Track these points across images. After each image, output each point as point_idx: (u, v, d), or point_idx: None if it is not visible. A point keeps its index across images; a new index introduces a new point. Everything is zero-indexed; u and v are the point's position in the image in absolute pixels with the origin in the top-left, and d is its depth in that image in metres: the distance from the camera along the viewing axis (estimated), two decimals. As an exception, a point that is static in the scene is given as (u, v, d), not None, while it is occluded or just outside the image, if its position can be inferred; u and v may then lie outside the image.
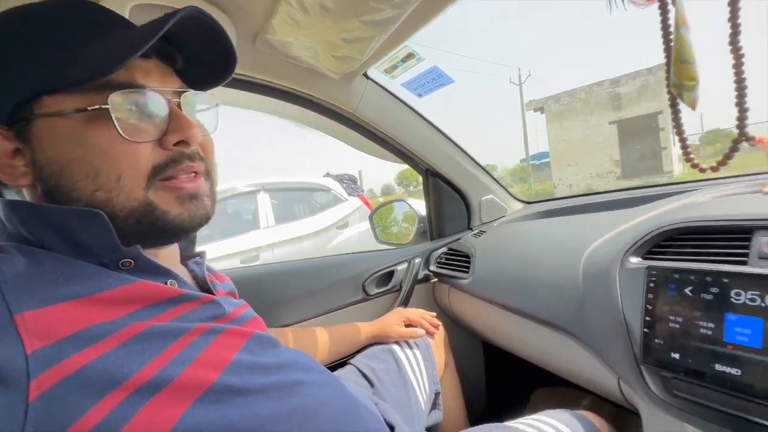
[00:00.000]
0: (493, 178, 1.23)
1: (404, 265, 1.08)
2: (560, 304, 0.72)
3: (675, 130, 0.46)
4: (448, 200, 1.18)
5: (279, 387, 0.43)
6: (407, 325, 0.90)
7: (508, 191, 1.27)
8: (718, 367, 0.47)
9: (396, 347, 0.85)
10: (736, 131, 0.51)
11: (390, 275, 1.07)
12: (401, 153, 1.09)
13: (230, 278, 0.61)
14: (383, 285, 1.06)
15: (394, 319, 0.89)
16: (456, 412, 0.96)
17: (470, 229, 1.21)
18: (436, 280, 1.14)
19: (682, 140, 0.44)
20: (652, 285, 0.56)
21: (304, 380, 0.46)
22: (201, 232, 0.49)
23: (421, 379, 0.84)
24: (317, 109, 0.91)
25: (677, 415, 0.52)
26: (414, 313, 0.92)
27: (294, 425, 0.42)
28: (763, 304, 0.45)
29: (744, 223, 0.51)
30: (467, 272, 0.98)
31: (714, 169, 0.46)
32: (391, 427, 0.59)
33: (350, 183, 4.22)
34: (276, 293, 0.90)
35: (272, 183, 3.65)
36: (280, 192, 3.77)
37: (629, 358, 0.57)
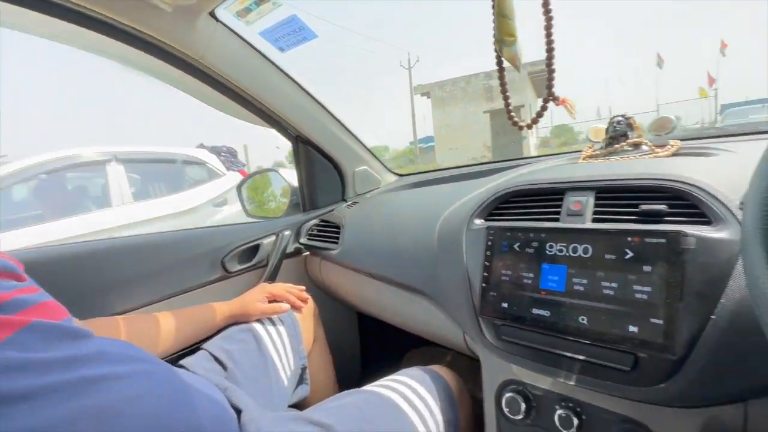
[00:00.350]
0: (368, 150, 1.23)
1: (271, 239, 1.01)
2: (418, 268, 0.74)
3: (501, 89, 0.49)
4: (321, 171, 1.13)
5: (65, 387, 0.35)
6: (272, 301, 0.84)
7: (382, 163, 1.28)
8: (534, 311, 0.54)
9: (257, 325, 0.79)
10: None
11: (255, 249, 0.98)
12: (267, 116, 0.99)
13: (29, 259, 0.47)
14: (247, 260, 0.97)
15: (256, 296, 0.83)
16: (326, 384, 0.95)
17: (344, 200, 1.19)
18: (308, 253, 1.10)
19: (506, 98, 0.47)
20: (490, 243, 0.61)
21: (108, 374, 0.38)
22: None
23: (285, 355, 0.79)
24: (154, 51, 0.75)
25: (506, 357, 0.58)
26: (279, 287, 0.87)
27: (83, 429, 0.34)
28: (567, 254, 0.52)
29: (558, 185, 0.58)
30: (337, 243, 0.96)
31: (529, 126, 0.51)
32: (238, 411, 0.54)
33: (229, 156, 3.84)
34: (103, 275, 0.74)
35: (128, 153, 3.07)
36: (141, 164, 3.23)
37: (471, 312, 0.61)
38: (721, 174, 0.49)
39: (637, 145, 0.73)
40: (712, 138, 0.85)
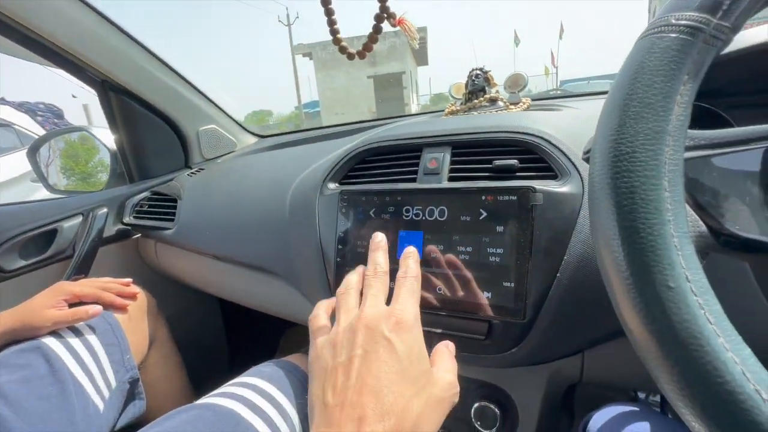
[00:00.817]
0: (216, 106, 1.02)
1: (76, 221, 0.76)
2: (267, 245, 0.63)
3: (327, 20, 0.39)
4: (150, 130, 0.89)
5: None
6: (76, 304, 0.63)
7: (238, 123, 1.09)
8: (392, 285, 0.47)
9: (50, 340, 0.58)
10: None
11: (50, 237, 0.73)
12: (54, 54, 0.71)
13: None
14: (36, 253, 0.72)
15: (45, 301, 0.61)
16: (172, 393, 0.78)
17: (189, 167, 0.98)
18: (139, 234, 0.88)
19: (332, 23, 0.38)
20: (343, 210, 0.52)
21: None
22: None
23: (101, 372, 0.61)
24: None
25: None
26: (84, 284, 0.66)
27: None
28: (424, 218, 0.47)
29: (413, 141, 0.52)
30: (173, 220, 0.77)
31: (361, 54, 0.42)
32: None
33: (50, 116, 2.98)
34: None
35: None
36: None
37: (326, 291, 0.53)
38: (566, 127, 0.48)
39: (494, 101, 0.71)
40: (557, 98, 0.89)
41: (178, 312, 0.99)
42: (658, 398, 0.72)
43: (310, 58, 17.81)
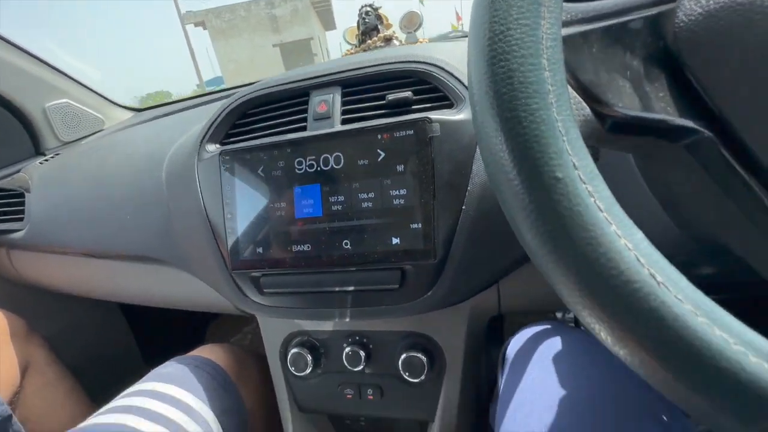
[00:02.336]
0: (68, 76, 0.83)
1: None
2: (148, 230, 0.53)
3: None
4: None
5: None
6: None
7: (102, 96, 0.91)
8: (294, 248, 0.42)
9: None
10: None
11: None
12: None
13: None
14: None
15: None
16: (61, 422, 0.67)
17: (43, 154, 0.80)
18: (-15, 244, 0.71)
19: None
20: (227, 174, 0.45)
21: None
22: None
23: None
24: None
25: (276, 312, 0.46)
26: None
27: None
28: (319, 169, 0.41)
29: (299, 85, 0.45)
30: (22, 219, 0.62)
31: None
32: None
33: None
34: None
35: None
36: None
37: (222, 270, 0.46)
38: (460, 54, 0.44)
39: (388, 40, 0.66)
40: (458, 39, 0.87)
41: (68, 327, 0.84)
42: (572, 315, 0.78)
43: (204, 28, 16.03)
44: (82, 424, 0.41)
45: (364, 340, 0.48)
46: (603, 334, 0.15)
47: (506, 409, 0.32)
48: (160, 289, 0.59)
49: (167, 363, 0.50)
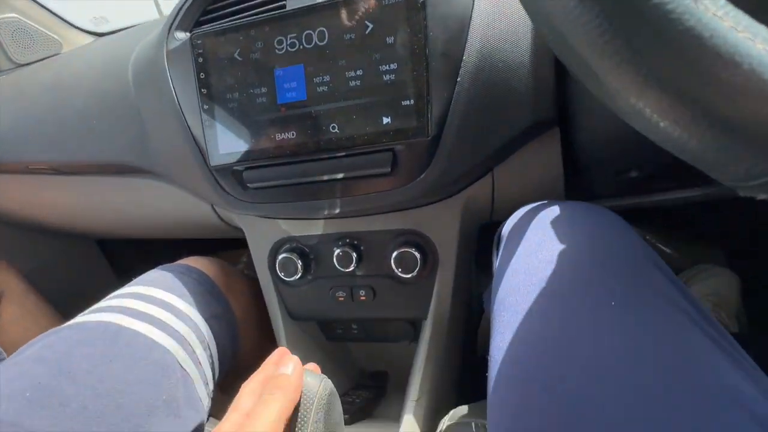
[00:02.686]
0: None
1: None
2: (118, 136, 0.49)
3: None
4: None
5: None
6: None
7: (58, 15, 0.82)
8: (278, 136, 0.39)
9: None
10: None
11: None
12: None
13: None
14: None
15: None
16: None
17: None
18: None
19: None
20: (200, 60, 0.41)
21: None
22: None
23: None
24: None
25: (260, 210, 0.44)
26: None
27: None
28: (301, 47, 0.38)
29: (276, -45, 0.41)
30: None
31: None
32: None
33: None
34: None
35: None
36: None
37: (201, 168, 0.43)
38: None
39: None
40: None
41: (44, 265, 0.81)
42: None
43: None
44: (66, 323, 0.40)
45: (355, 242, 0.47)
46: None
47: (500, 289, 0.30)
48: (137, 209, 0.56)
49: (151, 271, 0.48)
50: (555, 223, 0.31)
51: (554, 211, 0.33)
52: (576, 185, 0.44)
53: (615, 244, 0.28)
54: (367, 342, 0.56)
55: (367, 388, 0.56)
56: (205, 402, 0.42)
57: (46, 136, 0.53)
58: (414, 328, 0.52)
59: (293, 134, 0.39)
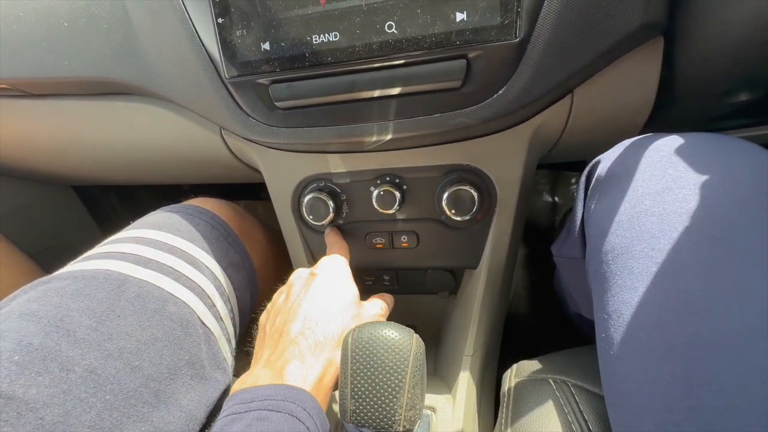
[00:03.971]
0: None
1: None
2: (104, 46, 0.39)
3: None
4: None
5: None
6: None
7: None
8: (317, 38, 0.31)
9: None
10: None
11: None
12: None
13: None
14: None
15: None
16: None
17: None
18: None
19: None
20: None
21: None
22: None
23: None
24: None
25: (289, 138, 0.36)
26: None
27: None
28: None
29: None
30: None
31: None
32: None
33: None
34: None
35: None
36: None
37: (213, 80, 0.34)
38: None
39: None
40: None
41: (15, 211, 0.71)
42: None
43: None
44: (54, 273, 0.32)
45: (397, 180, 0.40)
46: None
47: (613, 235, 0.24)
48: (123, 142, 0.47)
49: (152, 212, 0.40)
50: (690, 155, 0.24)
51: (678, 141, 0.26)
52: (657, 116, 0.38)
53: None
54: (400, 294, 0.51)
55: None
56: (230, 361, 0.37)
57: (3, 45, 0.42)
58: (455, 279, 0.47)
59: (336, 35, 0.30)
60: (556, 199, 0.84)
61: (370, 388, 0.19)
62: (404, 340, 0.20)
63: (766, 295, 0.18)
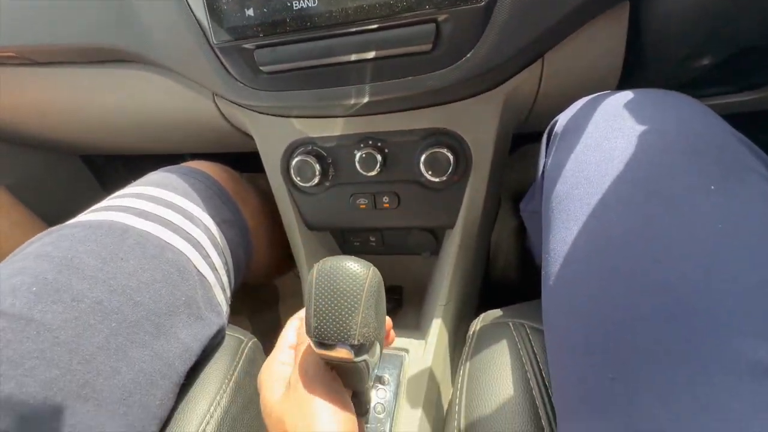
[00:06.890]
0: None
1: None
2: (93, 7, 0.41)
3: None
4: None
5: None
6: None
7: None
8: (296, 3, 0.33)
9: None
10: None
11: None
12: None
13: None
14: None
15: None
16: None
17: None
18: None
19: None
20: None
21: None
22: None
23: None
24: None
25: (280, 100, 0.38)
26: None
27: None
28: None
29: None
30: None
31: None
32: None
33: None
34: None
35: None
36: None
37: (203, 47, 0.37)
38: None
39: None
40: None
41: (27, 180, 0.75)
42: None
43: None
44: (66, 222, 0.36)
45: (379, 143, 0.43)
46: None
47: (560, 184, 0.27)
48: (122, 109, 0.50)
49: (152, 173, 0.43)
50: (632, 109, 0.27)
51: (626, 97, 0.28)
52: (627, 81, 0.39)
53: (704, 127, 0.25)
54: (385, 255, 0.54)
55: (383, 301, 0.55)
56: (224, 308, 0.41)
57: (7, 14, 0.45)
58: (436, 239, 0.50)
59: (314, 1, 0.32)
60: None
61: (329, 309, 0.22)
62: (362, 271, 0.23)
63: (672, 228, 0.20)
